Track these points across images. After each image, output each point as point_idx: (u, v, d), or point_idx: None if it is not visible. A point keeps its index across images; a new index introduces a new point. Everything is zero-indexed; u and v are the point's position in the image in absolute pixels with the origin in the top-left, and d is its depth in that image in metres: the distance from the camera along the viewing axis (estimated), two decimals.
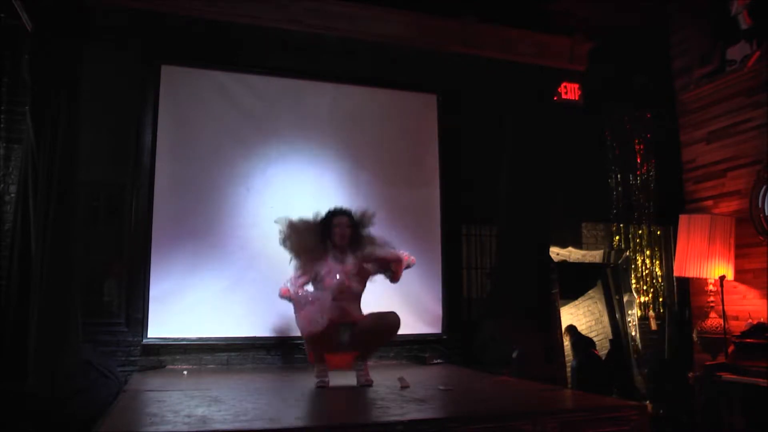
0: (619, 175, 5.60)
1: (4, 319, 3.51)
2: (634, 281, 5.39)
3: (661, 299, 5.49)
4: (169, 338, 4.33)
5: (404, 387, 3.47)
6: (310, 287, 3.76)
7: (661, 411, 4.96)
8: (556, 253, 5.07)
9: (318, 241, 3.78)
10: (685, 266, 4.77)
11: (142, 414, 2.84)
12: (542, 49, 4.93)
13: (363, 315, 3.73)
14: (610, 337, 5.20)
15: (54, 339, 3.40)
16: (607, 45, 5.16)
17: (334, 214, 3.82)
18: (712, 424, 4.23)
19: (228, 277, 4.49)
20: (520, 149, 4.96)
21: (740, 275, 4.74)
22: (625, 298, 5.23)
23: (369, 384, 3.61)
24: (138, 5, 4.00)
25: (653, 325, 5.41)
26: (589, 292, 5.32)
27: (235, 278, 4.50)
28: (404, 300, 4.83)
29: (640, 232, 5.55)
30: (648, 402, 4.78)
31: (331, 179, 4.85)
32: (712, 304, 4.76)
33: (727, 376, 4.14)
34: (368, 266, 3.81)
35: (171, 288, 4.35)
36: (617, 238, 5.52)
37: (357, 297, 3.78)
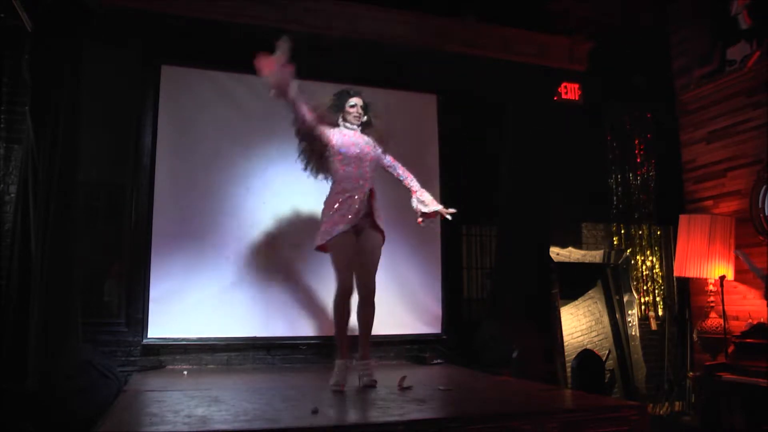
0: (619, 175, 5.60)
1: (4, 319, 3.50)
2: (634, 281, 5.39)
3: (661, 299, 5.49)
4: (169, 338, 4.32)
5: (403, 385, 3.45)
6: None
7: (662, 411, 4.96)
8: (556, 253, 5.07)
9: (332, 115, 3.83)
10: (685, 266, 4.77)
11: (142, 414, 2.83)
12: (542, 49, 4.92)
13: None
14: (610, 337, 5.20)
15: (54, 339, 3.40)
16: (607, 45, 5.16)
17: (349, 94, 3.84)
18: (712, 424, 4.23)
19: (228, 277, 4.49)
20: (520, 149, 4.96)
21: (740, 275, 4.74)
22: (625, 298, 5.23)
23: (372, 385, 3.47)
24: (138, 5, 3.99)
25: (653, 325, 5.42)
26: (589, 292, 5.31)
27: (235, 278, 4.50)
28: (404, 300, 4.84)
29: (640, 232, 5.55)
30: (648, 402, 4.78)
31: None
32: (712, 304, 4.77)
33: (727, 376, 4.13)
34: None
35: (171, 288, 4.35)
36: (617, 238, 5.53)
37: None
